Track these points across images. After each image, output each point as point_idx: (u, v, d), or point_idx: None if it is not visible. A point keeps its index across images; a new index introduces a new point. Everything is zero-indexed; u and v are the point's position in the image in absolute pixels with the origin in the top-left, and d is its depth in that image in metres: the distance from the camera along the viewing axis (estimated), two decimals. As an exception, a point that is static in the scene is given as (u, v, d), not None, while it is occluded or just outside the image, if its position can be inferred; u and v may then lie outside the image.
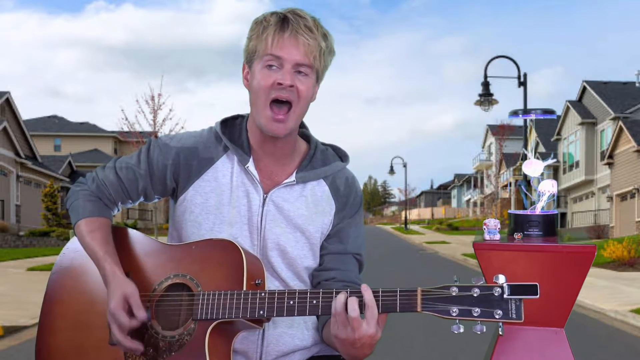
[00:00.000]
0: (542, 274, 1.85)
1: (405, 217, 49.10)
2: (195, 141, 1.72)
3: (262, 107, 1.61)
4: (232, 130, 1.74)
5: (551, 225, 1.99)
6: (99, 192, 1.71)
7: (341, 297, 1.43)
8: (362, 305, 1.42)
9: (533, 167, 1.99)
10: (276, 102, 1.60)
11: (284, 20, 1.59)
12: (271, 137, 1.66)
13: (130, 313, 1.53)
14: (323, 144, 1.81)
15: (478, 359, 2.11)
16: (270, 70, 1.59)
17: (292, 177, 1.70)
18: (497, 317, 1.37)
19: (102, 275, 1.60)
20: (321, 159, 1.75)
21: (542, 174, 2.02)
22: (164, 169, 1.71)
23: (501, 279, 1.39)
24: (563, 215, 39.79)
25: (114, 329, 1.53)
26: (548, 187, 1.97)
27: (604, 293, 10.51)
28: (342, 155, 1.81)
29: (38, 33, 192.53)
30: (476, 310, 1.38)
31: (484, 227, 1.98)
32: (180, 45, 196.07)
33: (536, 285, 1.36)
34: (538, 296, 1.35)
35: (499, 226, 1.97)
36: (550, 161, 2.02)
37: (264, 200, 1.68)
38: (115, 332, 1.53)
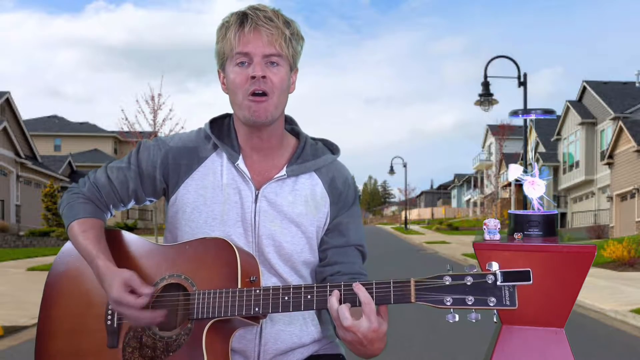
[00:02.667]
0: (542, 274, 1.85)
1: (405, 217, 49.11)
2: (184, 141, 1.73)
3: (241, 99, 1.62)
4: (221, 129, 1.75)
5: (551, 225, 1.99)
6: (91, 195, 1.72)
7: (334, 304, 1.42)
8: (357, 301, 1.42)
9: (511, 170, 1.98)
10: (253, 94, 1.61)
11: (243, 17, 1.61)
12: (256, 130, 1.67)
13: (135, 294, 1.52)
14: (313, 138, 1.81)
15: (478, 359, 2.11)
16: (242, 67, 1.61)
17: (283, 171, 1.70)
18: (491, 304, 1.37)
19: (95, 273, 1.59)
20: (311, 153, 1.75)
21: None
22: (153, 170, 1.71)
23: (494, 266, 1.38)
24: (563, 215, 39.78)
25: (125, 314, 1.53)
26: (517, 172, 1.97)
27: (604, 293, 10.51)
28: (332, 148, 1.81)
29: (38, 33, 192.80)
30: (470, 299, 1.37)
31: (484, 227, 1.98)
32: (180, 45, 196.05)
33: (529, 270, 1.35)
34: (531, 282, 1.34)
35: (499, 226, 1.97)
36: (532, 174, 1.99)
37: (256, 196, 1.68)
38: (128, 316, 1.53)
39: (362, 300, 1.41)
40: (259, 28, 1.59)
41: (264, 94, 1.60)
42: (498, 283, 1.37)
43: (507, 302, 1.36)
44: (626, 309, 8.81)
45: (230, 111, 1.74)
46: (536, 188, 1.96)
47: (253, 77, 1.59)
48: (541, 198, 1.96)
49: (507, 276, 1.36)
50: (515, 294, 1.36)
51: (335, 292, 1.43)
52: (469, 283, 1.38)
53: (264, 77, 1.59)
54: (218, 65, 1.69)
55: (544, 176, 1.96)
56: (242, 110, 1.63)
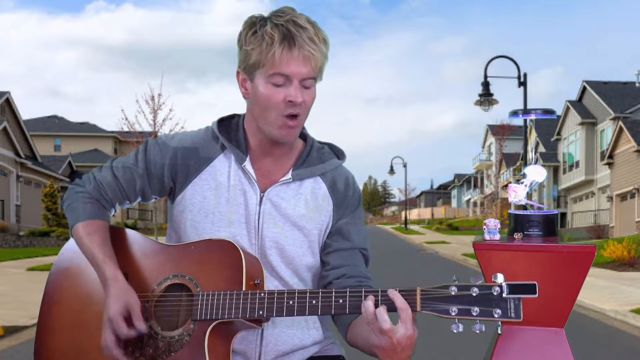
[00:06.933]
0: (542, 274, 1.85)
1: (405, 217, 49.10)
2: (193, 141, 1.72)
3: (274, 119, 1.61)
4: (228, 129, 1.74)
5: (551, 225, 1.99)
6: (96, 194, 1.71)
7: (370, 306, 1.41)
8: (391, 308, 1.41)
9: (531, 172, 1.99)
10: (287, 116, 1.60)
11: (289, 36, 1.55)
12: (274, 141, 1.67)
13: (129, 323, 1.52)
14: (320, 142, 1.81)
15: (478, 359, 2.11)
16: (278, 87, 1.58)
17: (289, 175, 1.70)
18: (496, 316, 1.37)
19: (101, 279, 1.59)
20: (317, 157, 1.75)
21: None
22: (161, 169, 1.71)
23: (500, 278, 1.39)
24: (563, 215, 39.77)
25: (107, 333, 1.53)
26: (534, 175, 1.97)
27: (604, 293, 10.51)
28: (338, 153, 1.81)
29: (38, 33, 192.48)
30: (475, 310, 1.38)
31: (484, 227, 1.98)
32: (180, 45, 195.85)
33: (535, 284, 1.36)
34: (537, 295, 1.35)
35: (499, 226, 1.97)
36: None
37: (261, 198, 1.68)
38: (107, 338, 1.52)
39: (400, 306, 1.40)
40: (304, 52, 1.56)
41: (296, 116, 1.60)
42: (504, 295, 1.37)
43: (512, 315, 1.37)
44: (626, 309, 8.81)
45: (242, 111, 1.73)
46: (512, 194, 1.98)
47: (291, 102, 1.58)
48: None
49: (513, 289, 1.37)
50: (520, 307, 1.37)
51: (371, 297, 1.43)
52: (474, 294, 1.39)
53: (303, 101, 1.59)
54: (242, 67, 1.64)
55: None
56: (271, 128, 1.62)
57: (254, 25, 1.60)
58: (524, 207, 2.02)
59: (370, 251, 1.79)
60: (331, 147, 1.82)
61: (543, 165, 1.99)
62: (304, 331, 1.71)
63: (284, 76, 1.57)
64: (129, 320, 1.53)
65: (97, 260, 1.60)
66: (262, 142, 1.69)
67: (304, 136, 1.80)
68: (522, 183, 1.98)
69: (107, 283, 1.57)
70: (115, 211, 1.77)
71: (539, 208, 2.00)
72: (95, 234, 1.64)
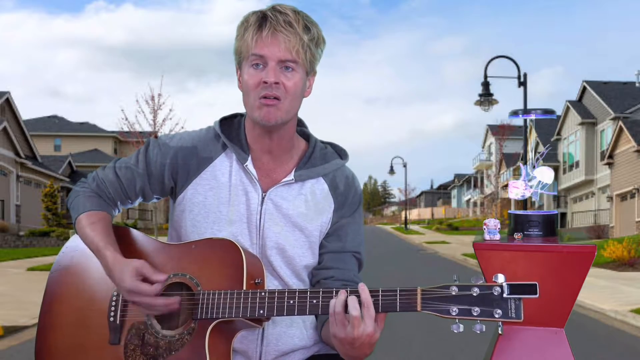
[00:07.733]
0: (542, 274, 1.85)
1: (405, 217, 49.11)
2: (194, 140, 1.73)
3: (252, 102, 1.62)
4: (230, 128, 1.74)
5: (551, 225, 1.99)
6: (99, 191, 1.72)
7: (341, 297, 1.43)
8: (359, 304, 1.42)
9: (542, 174, 1.98)
10: (264, 98, 1.60)
11: (262, 19, 1.60)
12: (267, 132, 1.66)
13: (148, 282, 1.52)
14: (322, 142, 1.81)
15: (478, 359, 2.11)
16: (256, 70, 1.60)
17: (291, 176, 1.70)
18: (496, 316, 1.38)
19: (103, 265, 1.59)
20: (320, 157, 1.75)
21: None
22: (162, 169, 1.71)
23: (500, 278, 1.39)
24: (563, 215, 39.78)
25: (140, 303, 1.52)
26: (542, 175, 1.97)
27: (604, 293, 10.51)
28: (341, 153, 1.81)
29: (38, 33, 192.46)
30: (476, 310, 1.38)
31: (484, 227, 1.98)
32: (180, 45, 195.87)
33: (535, 284, 1.36)
34: (537, 295, 1.35)
35: (499, 226, 1.97)
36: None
37: (263, 199, 1.68)
38: (143, 305, 1.52)
39: (363, 302, 1.41)
40: (276, 33, 1.57)
41: (275, 98, 1.60)
42: (504, 295, 1.38)
43: (513, 315, 1.37)
44: (626, 309, 8.82)
45: (241, 110, 1.74)
46: (513, 190, 1.98)
47: (265, 82, 1.58)
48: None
49: (513, 289, 1.37)
50: (521, 307, 1.37)
51: (343, 291, 1.44)
52: (475, 294, 1.39)
53: (276, 83, 1.58)
54: (236, 62, 1.68)
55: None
56: (253, 112, 1.63)
57: (243, 19, 1.64)
58: (525, 205, 2.02)
59: (369, 249, 1.79)
60: (334, 146, 1.82)
61: (543, 165, 1.98)
62: (302, 332, 1.71)
63: (259, 57, 1.59)
64: (147, 280, 1.52)
65: (98, 247, 1.60)
66: (257, 137, 1.69)
67: (306, 136, 1.79)
68: (534, 165, 1.97)
69: (109, 267, 1.57)
70: (118, 210, 1.78)
71: (541, 207, 2.00)
72: (98, 223, 1.65)
